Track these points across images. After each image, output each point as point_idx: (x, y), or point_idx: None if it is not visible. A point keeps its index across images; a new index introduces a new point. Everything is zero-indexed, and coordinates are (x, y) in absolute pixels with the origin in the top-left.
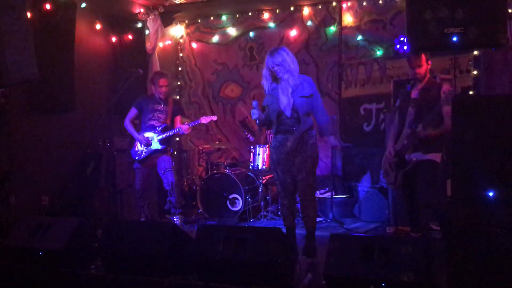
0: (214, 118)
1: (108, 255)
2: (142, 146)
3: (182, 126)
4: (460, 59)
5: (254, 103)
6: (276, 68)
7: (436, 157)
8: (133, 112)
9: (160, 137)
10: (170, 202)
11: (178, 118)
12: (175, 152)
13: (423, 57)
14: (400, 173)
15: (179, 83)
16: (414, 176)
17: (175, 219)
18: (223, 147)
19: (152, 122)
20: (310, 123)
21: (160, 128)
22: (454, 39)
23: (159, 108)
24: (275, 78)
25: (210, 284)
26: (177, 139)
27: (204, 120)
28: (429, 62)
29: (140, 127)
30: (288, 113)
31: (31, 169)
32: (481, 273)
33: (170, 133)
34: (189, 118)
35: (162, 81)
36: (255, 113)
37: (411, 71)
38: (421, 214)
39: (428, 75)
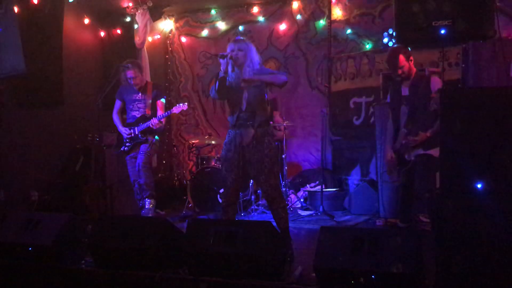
0: (185, 107)
1: (98, 250)
2: (126, 138)
3: (152, 120)
4: (448, 52)
5: (229, 55)
6: (238, 53)
7: (436, 152)
8: (117, 104)
9: (140, 128)
10: (139, 184)
11: (159, 103)
12: (157, 141)
13: (401, 57)
14: (402, 171)
15: (168, 77)
16: (414, 170)
17: (146, 203)
18: (213, 141)
19: (133, 113)
20: (266, 116)
21: (140, 120)
22: (442, 31)
23: (137, 97)
24: (235, 67)
25: (201, 278)
26: (167, 133)
27: (176, 109)
28: (411, 58)
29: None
30: (243, 106)
31: (20, 164)
32: (469, 264)
33: (147, 124)
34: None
35: (129, 73)
36: (223, 66)
37: (394, 72)
38: (412, 206)
39: (413, 71)
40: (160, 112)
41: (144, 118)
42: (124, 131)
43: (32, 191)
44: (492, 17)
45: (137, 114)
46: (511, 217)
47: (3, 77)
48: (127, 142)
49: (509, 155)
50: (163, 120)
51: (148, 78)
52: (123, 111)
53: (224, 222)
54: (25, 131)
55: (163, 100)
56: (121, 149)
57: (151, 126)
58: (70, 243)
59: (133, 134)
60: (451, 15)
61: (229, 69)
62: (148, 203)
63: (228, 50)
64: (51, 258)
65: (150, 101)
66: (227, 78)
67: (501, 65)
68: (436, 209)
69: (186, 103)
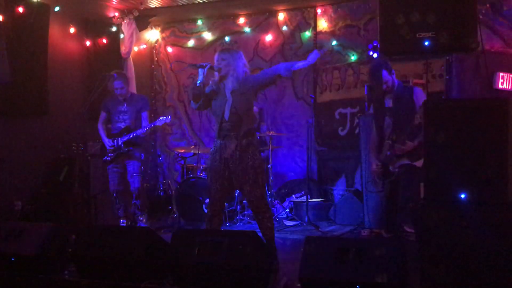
0: (168, 120)
1: (82, 260)
2: (108, 149)
3: (137, 131)
4: (433, 64)
5: (208, 65)
6: (220, 63)
7: (421, 163)
8: (102, 115)
9: (124, 139)
10: (135, 205)
11: (144, 115)
12: (144, 157)
13: (384, 73)
14: (387, 182)
15: (154, 87)
16: (398, 181)
17: (140, 219)
18: (199, 151)
19: (118, 124)
20: (251, 126)
21: (124, 130)
22: (426, 43)
23: (122, 109)
24: (220, 78)
25: None
26: (153, 143)
27: (159, 122)
28: (393, 72)
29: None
30: (226, 115)
31: (3, 174)
32: (453, 274)
33: (130, 135)
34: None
35: (116, 84)
36: (200, 76)
37: (378, 88)
38: (397, 216)
39: (396, 83)
40: (144, 123)
41: (128, 129)
42: (107, 142)
43: (15, 200)
44: (475, 30)
45: (122, 125)
46: (494, 227)
47: None
48: (109, 153)
49: (492, 165)
50: (147, 131)
51: (134, 88)
52: (108, 122)
53: (209, 232)
54: (8, 140)
55: (147, 112)
56: (104, 159)
57: (135, 135)
58: (54, 253)
59: (115, 145)
60: (434, 27)
61: (215, 78)
62: (142, 220)
63: (214, 60)
64: (34, 268)
65: (135, 112)
66: (212, 88)
67: (484, 77)
68: (420, 219)
69: (169, 116)
